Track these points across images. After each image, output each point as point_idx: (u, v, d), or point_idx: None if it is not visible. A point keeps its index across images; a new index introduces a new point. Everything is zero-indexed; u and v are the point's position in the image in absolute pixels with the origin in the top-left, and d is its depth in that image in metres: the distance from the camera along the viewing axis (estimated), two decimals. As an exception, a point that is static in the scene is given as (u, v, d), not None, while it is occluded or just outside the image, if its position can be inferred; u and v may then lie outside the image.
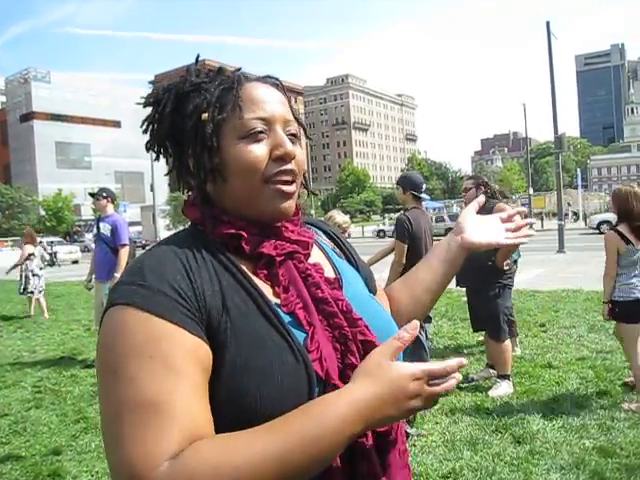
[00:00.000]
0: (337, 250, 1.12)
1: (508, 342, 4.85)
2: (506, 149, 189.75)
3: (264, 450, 0.68)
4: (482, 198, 1.28)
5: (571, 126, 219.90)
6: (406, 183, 4.63)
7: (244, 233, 0.90)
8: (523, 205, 42.73)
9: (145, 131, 0.96)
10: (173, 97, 0.93)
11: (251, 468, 0.67)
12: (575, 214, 39.08)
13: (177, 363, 0.74)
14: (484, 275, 4.70)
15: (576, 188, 51.00)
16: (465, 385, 4.94)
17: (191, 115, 0.91)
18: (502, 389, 4.70)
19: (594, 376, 4.91)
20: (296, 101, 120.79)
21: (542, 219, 35.89)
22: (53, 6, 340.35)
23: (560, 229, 18.29)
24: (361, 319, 0.89)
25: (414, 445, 3.77)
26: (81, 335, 8.45)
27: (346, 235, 5.01)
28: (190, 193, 0.99)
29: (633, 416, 3.94)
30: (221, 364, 0.78)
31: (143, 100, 0.97)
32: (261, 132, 0.90)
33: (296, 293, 0.88)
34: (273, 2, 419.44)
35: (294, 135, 0.95)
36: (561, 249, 17.83)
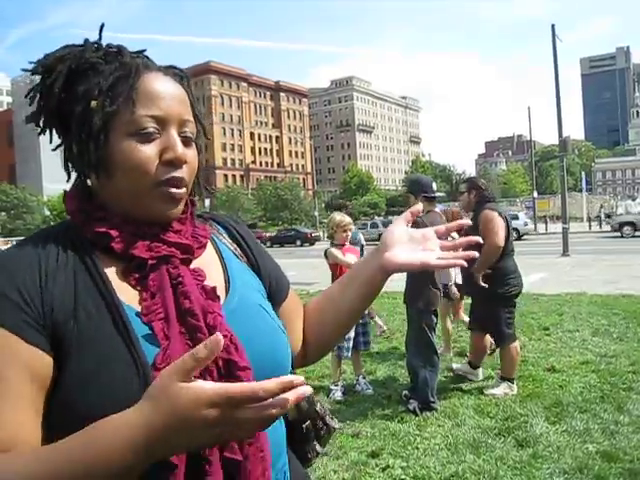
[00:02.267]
0: (238, 251, 1.03)
1: (515, 345, 4.81)
2: (510, 152, 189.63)
3: (34, 473, 0.66)
4: (418, 207, 1.08)
5: (576, 129, 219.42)
6: (415, 188, 4.54)
7: (114, 232, 0.84)
8: (527, 208, 42.77)
9: (32, 102, 0.88)
10: (66, 71, 0.85)
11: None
12: (608, 216, 36.38)
13: (10, 377, 0.72)
14: (486, 283, 4.61)
15: (581, 191, 50.96)
16: (466, 387, 4.93)
17: (81, 99, 0.84)
18: (498, 389, 4.69)
19: (598, 380, 4.89)
20: (301, 103, 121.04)
21: (546, 222, 35.79)
22: (57, 9, 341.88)
23: (564, 232, 18.25)
24: (227, 336, 0.80)
25: (417, 448, 3.77)
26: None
27: (345, 235, 4.98)
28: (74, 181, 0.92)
29: (637, 421, 3.93)
30: (63, 374, 0.74)
31: (32, 65, 0.88)
32: (153, 132, 0.84)
33: (161, 302, 0.82)
34: (279, 5, 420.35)
35: (189, 137, 0.89)
36: (565, 252, 17.78)
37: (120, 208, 0.86)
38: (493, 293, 4.60)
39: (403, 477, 3.40)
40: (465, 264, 0.95)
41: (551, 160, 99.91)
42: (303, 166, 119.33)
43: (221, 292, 0.89)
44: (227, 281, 0.94)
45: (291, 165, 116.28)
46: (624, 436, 3.70)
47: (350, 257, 4.88)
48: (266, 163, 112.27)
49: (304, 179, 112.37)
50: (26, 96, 0.90)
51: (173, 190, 0.86)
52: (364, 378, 5.26)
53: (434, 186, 4.53)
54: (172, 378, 0.64)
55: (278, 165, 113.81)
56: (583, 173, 54.96)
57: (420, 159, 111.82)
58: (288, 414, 1.02)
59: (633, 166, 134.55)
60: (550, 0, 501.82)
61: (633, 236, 25.43)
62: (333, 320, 1.08)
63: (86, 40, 0.88)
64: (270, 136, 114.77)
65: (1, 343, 0.73)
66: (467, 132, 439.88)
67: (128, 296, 0.82)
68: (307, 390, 0.67)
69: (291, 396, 0.66)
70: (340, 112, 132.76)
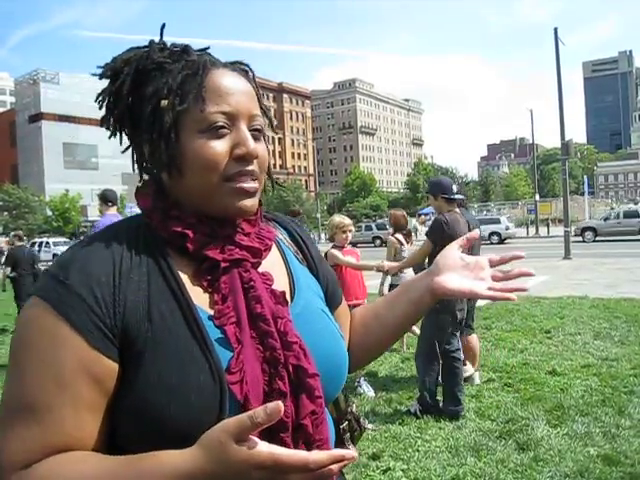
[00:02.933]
0: (299, 255, 1.03)
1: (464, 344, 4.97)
2: (512, 155, 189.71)
3: None
4: (474, 234, 1.05)
5: (578, 132, 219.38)
6: (435, 189, 4.60)
7: (190, 232, 0.84)
8: (529, 212, 42.72)
9: (101, 106, 0.88)
10: (133, 72, 0.85)
11: None
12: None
13: (67, 375, 0.72)
14: None
15: (583, 195, 50.91)
16: (467, 390, 4.93)
17: (150, 99, 0.84)
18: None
19: (599, 383, 4.89)
20: (303, 105, 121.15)
21: (548, 225, 35.76)
22: (60, 10, 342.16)
23: (566, 236, 18.23)
24: (297, 342, 0.81)
25: (418, 450, 3.76)
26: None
27: (345, 237, 4.99)
28: (146, 178, 0.92)
29: (638, 424, 3.92)
30: (134, 376, 0.75)
31: (100, 70, 0.89)
32: (223, 127, 0.84)
33: (232, 305, 0.82)
34: (282, 7, 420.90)
35: (259, 130, 0.89)
36: (567, 256, 17.76)
37: (192, 206, 0.86)
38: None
39: (404, 479, 3.40)
40: (515, 298, 0.94)
41: (553, 163, 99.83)
42: (305, 168, 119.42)
43: (287, 296, 0.90)
44: (291, 285, 0.95)
45: (293, 167, 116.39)
46: (625, 439, 3.70)
47: (350, 258, 4.90)
48: (268, 165, 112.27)
49: (306, 181, 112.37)
50: (95, 100, 0.89)
51: (245, 184, 0.85)
52: (365, 380, 5.26)
53: (454, 188, 4.59)
54: (228, 435, 0.64)
55: (280, 167, 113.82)
56: (585, 176, 54.92)
57: (422, 161, 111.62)
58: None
59: (635, 170, 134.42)
60: (553, 4, 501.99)
61: (594, 241, 25.72)
62: (376, 335, 1.09)
63: (151, 41, 0.89)
64: (272, 138, 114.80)
65: (68, 345, 0.73)
66: (469, 135, 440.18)
67: (200, 298, 0.82)
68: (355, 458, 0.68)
69: (336, 467, 0.67)
70: (343, 114, 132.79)
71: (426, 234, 4.57)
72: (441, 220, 4.39)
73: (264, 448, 0.65)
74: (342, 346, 0.94)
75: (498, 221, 31.68)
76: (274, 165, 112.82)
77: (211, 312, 0.81)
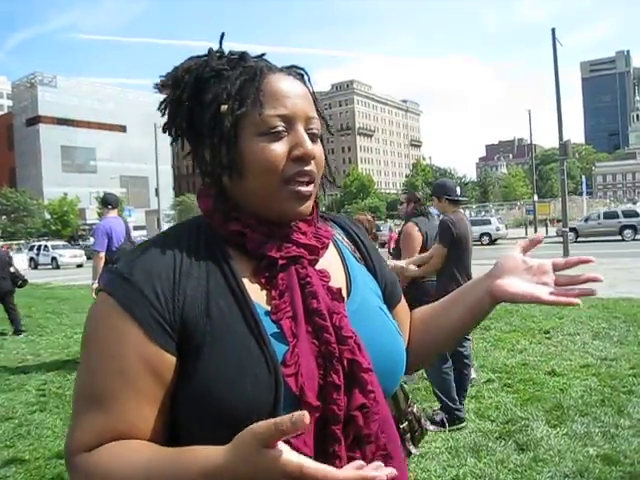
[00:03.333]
0: (357, 253, 1.05)
1: None
2: (511, 155, 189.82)
3: (133, 475, 0.72)
4: (539, 236, 1.04)
5: (576, 133, 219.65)
6: (438, 190, 4.64)
7: (248, 232, 0.87)
8: (528, 212, 42.76)
9: (163, 114, 0.93)
10: (192, 81, 0.89)
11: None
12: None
13: (130, 367, 0.78)
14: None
15: (581, 195, 50.97)
16: (467, 393, 4.93)
17: (210, 105, 0.87)
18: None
19: (598, 383, 4.89)
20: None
21: (546, 225, 35.83)
22: (57, 13, 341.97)
23: (565, 236, 18.26)
24: (352, 337, 0.83)
25: (417, 451, 3.76)
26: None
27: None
28: (207, 180, 0.95)
29: (638, 424, 3.93)
30: (193, 369, 0.79)
31: (161, 79, 0.94)
32: (281, 130, 0.86)
33: (289, 301, 0.84)
34: (279, 8, 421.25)
35: (315, 133, 0.91)
36: (566, 256, 17.76)
37: (252, 209, 0.89)
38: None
39: (404, 480, 3.40)
40: (579, 303, 0.90)
41: (551, 164, 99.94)
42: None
43: (343, 292, 0.91)
44: (348, 282, 0.96)
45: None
46: (624, 439, 3.70)
47: None
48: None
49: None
50: (158, 109, 0.93)
51: (302, 188, 0.87)
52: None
53: (458, 190, 4.65)
54: (257, 439, 0.65)
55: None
56: (583, 177, 54.94)
57: (421, 163, 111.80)
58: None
59: (633, 170, 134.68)
60: (551, 4, 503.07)
61: (575, 241, 25.81)
62: (433, 335, 1.08)
63: (210, 49, 0.91)
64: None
65: (131, 340, 0.78)
66: (468, 135, 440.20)
67: (257, 295, 0.85)
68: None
69: None
70: (341, 115, 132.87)
71: (438, 241, 4.49)
72: (448, 221, 4.40)
73: (293, 458, 0.65)
74: (399, 343, 0.95)
75: (489, 222, 31.97)
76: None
77: (268, 308, 0.84)
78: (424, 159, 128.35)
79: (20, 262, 35.56)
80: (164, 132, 0.94)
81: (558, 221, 36.11)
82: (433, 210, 5.27)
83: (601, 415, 4.15)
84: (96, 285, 6.20)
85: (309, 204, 0.91)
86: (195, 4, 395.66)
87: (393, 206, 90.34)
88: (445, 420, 4.27)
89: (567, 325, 7.46)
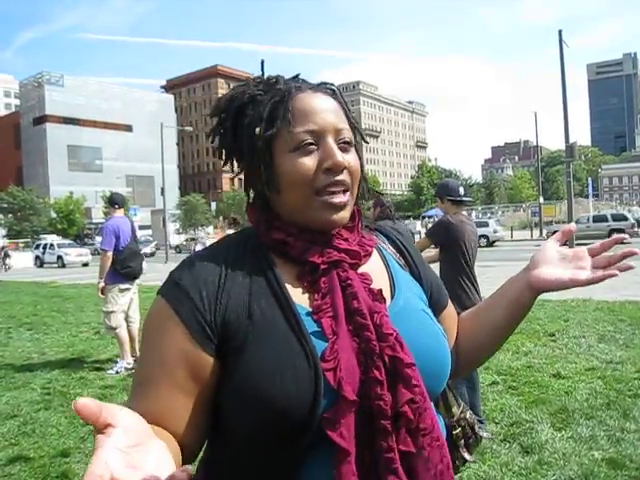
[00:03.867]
0: (402, 261, 1.08)
1: None
2: (517, 157, 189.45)
3: None
4: (571, 226, 1.07)
5: (582, 135, 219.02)
6: (441, 191, 4.59)
7: (291, 240, 0.93)
8: (534, 215, 42.67)
9: (212, 140, 1.00)
10: (233, 109, 0.96)
11: None
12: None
13: (169, 359, 0.85)
14: None
15: (587, 197, 50.81)
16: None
17: (247, 129, 0.94)
18: None
19: (604, 387, 4.87)
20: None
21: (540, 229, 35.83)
22: (65, 13, 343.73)
23: (571, 238, 18.18)
24: (393, 334, 0.86)
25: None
26: (90, 337, 8.47)
27: None
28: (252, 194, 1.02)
29: (643, 428, 3.91)
30: (235, 365, 0.84)
31: (211, 110, 1.01)
32: (311, 144, 0.91)
33: (330, 302, 0.88)
34: (285, 9, 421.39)
35: (347, 143, 0.95)
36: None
37: (291, 219, 0.95)
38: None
39: (407, 482, 3.39)
40: (617, 273, 0.94)
41: (557, 166, 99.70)
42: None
43: (386, 296, 0.95)
44: (392, 286, 1.00)
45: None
46: (630, 443, 3.68)
47: None
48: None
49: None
50: (207, 136, 1.05)
51: (334, 199, 0.92)
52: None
53: (461, 190, 4.58)
54: None
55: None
56: (589, 179, 54.89)
57: (426, 164, 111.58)
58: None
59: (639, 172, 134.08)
60: (557, 6, 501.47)
61: (564, 244, 25.77)
62: (478, 336, 1.11)
63: (249, 78, 1.01)
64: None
65: (175, 337, 0.85)
66: (473, 137, 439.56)
67: (301, 297, 0.90)
68: None
69: None
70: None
71: (426, 234, 4.52)
72: (444, 221, 4.36)
73: None
74: (444, 345, 0.96)
75: (486, 224, 32.14)
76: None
77: (311, 309, 0.89)
78: (430, 160, 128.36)
79: (26, 260, 35.91)
80: (217, 156, 1.02)
81: (548, 224, 36.30)
82: (432, 212, 5.25)
83: (606, 419, 4.13)
84: (102, 284, 6.21)
85: (344, 214, 0.94)
86: (202, 4, 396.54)
87: (398, 207, 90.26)
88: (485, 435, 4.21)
89: (572, 328, 7.43)
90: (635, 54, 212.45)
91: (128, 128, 79.03)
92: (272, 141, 0.92)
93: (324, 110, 0.94)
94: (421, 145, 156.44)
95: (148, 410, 0.80)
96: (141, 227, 41.47)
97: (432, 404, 0.91)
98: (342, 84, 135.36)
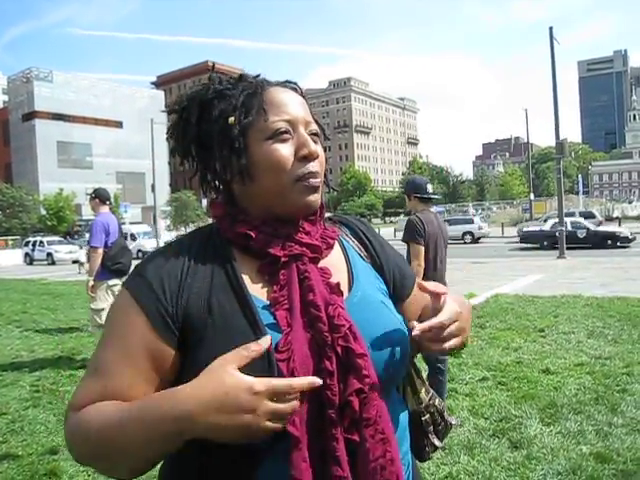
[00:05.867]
0: (363, 252, 1.11)
1: None
2: (507, 154, 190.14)
3: (111, 416, 0.82)
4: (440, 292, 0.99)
5: (573, 132, 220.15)
6: (408, 188, 4.54)
7: (253, 233, 0.95)
8: (524, 211, 42.85)
9: (170, 137, 1.02)
10: (197, 105, 0.98)
11: (98, 426, 0.82)
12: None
13: (131, 346, 0.88)
14: None
15: (577, 194, 51.09)
16: (461, 389, 4.94)
17: (218, 119, 0.96)
18: None
19: (592, 382, 4.91)
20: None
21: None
22: (54, 8, 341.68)
23: (560, 235, 18.29)
24: (346, 325, 0.89)
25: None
26: (80, 335, 8.43)
27: None
28: (214, 195, 1.04)
29: (631, 422, 3.94)
30: (195, 357, 0.86)
31: (168, 109, 1.04)
32: (286, 132, 0.95)
33: (287, 294, 0.91)
34: (276, 6, 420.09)
35: (316, 135, 1.00)
36: (561, 255, 17.82)
37: (261, 209, 0.98)
38: None
39: (397, 478, 3.40)
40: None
41: (548, 162, 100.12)
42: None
43: (344, 289, 0.98)
44: (350, 279, 1.02)
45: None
46: (618, 437, 3.71)
47: None
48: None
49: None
50: (167, 133, 1.04)
51: (311, 181, 0.96)
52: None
53: (429, 187, 4.49)
54: (228, 362, 0.77)
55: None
56: (580, 176, 55.31)
57: (417, 160, 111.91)
58: (408, 405, 1.12)
59: (630, 169, 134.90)
60: (549, 3, 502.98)
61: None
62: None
63: (210, 76, 1.03)
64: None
65: (138, 326, 0.88)
66: (465, 134, 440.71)
67: (260, 291, 0.94)
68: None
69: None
70: (338, 113, 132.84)
71: (403, 240, 4.32)
72: (413, 220, 4.25)
73: (260, 378, 0.76)
74: (401, 336, 0.98)
75: (471, 221, 32.33)
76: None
77: (268, 301, 0.92)
78: (421, 157, 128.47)
79: (15, 258, 35.60)
80: (173, 155, 1.05)
81: (515, 224, 36.53)
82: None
83: (594, 413, 4.16)
84: (92, 282, 6.15)
85: (318, 197, 0.98)
86: (192, 0, 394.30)
87: (390, 204, 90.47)
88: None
89: (562, 324, 7.47)
90: (625, 51, 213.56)
91: (118, 124, 78.41)
92: (247, 130, 0.95)
93: (295, 103, 0.99)
94: (412, 142, 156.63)
95: (107, 392, 0.86)
96: (132, 223, 41.26)
97: (385, 396, 0.93)
98: (333, 80, 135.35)
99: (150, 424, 0.78)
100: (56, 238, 39.50)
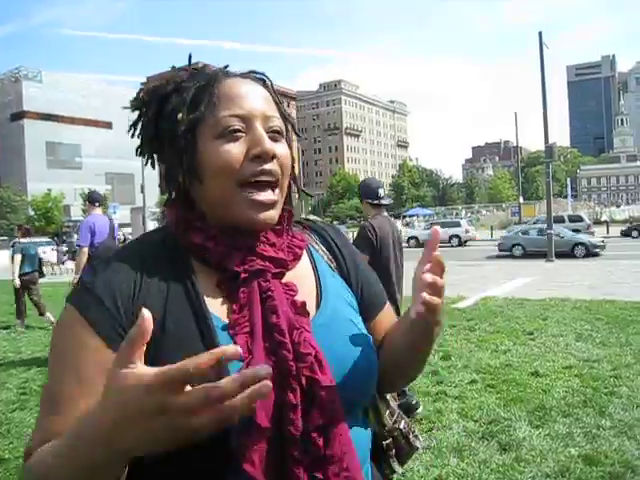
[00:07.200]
0: (333, 263, 1.01)
1: None
2: (497, 157, 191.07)
3: (48, 457, 0.71)
4: (434, 231, 0.83)
5: (562, 136, 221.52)
6: (361, 193, 4.44)
7: (210, 244, 0.86)
8: (513, 215, 43.05)
9: (133, 135, 0.94)
10: (156, 99, 0.90)
11: (53, 463, 0.69)
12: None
13: (87, 372, 0.77)
14: None
15: (566, 197, 51.49)
16: (450, 391, 4.95)
17: (169, 116, 0.87)
18: None
19: (580, 385, 4.93)
20: (289, 105, 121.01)
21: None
22: (42, 8, 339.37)
23: (549, 238, 18.39)
24: (312, 354, 0.80)
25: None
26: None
27: None
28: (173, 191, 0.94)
29: (619, 425, 3.96)
30: None
31: (130, 104, 0.94)
32: (238, 130, 0.85)
33: (248, 316, 0.82)
34: (268, 8, 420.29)
35: (277, 132, 0.89)
36: (550, 258, 17.93)
37: (215, 216, 0.88)
38: None
39: (387, 480, 3.40)
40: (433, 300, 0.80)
41: (537, 166, 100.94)
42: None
43: (312, 305, 0.89)
44: (319, 294, 0.93)
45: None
46: (605, 440, 3.73)
47: None
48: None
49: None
50: (128, 131, 0.94)
51: (258, 197, 0.85)
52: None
53: (380, 192, 4.37)
54: (118, 363, 0.60)
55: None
56: (568, 179, 55.60)
57: (407, 163, 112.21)
58: (370, 427, 0.98)
59: (617, 173, 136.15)
60: (538, 7, 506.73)
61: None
62: (392, 357, 0.98)
63: (172, 67, 0.95)
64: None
65: (91, 349, 0.78)
66: (454, 137, 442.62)
67: (218, 308, 0.84)
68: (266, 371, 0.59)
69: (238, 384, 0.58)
70: (328, 115, 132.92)
71: (355, 246, 4.27)
72: (365, 227, 4.17)
73: (152, 370, 0.58)
74: (369, 357, 0.90)
75: (458, 224, 32.47)
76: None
77: (227, 322, 0.82)
78: (411, 160, 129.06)
79: (2, 258, 35.24)
80: (137, 154, 0.94)
81: (504, 227, 36.63)
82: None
83: (583, 416, 4.19)
84: (77, 279, 6.15)
85: (272, 213, 0.87)
86: (182, 2, 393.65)
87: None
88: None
89: (551, 326, 7.51)
90: (613, 56, 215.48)
91: (108, 125, 77.97)
92: (196, 127, 0.86)
93: (253, 95, 0.88)
94: (402, 144, 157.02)
95: (66, 426, 0.71)
96: (121, 225, 41.00)
97: (349, 423, 0.84)
98: (323, 83, 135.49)
99: (85, 457, 0.65)
100: (44, 239, 39.20)
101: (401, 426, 1.07)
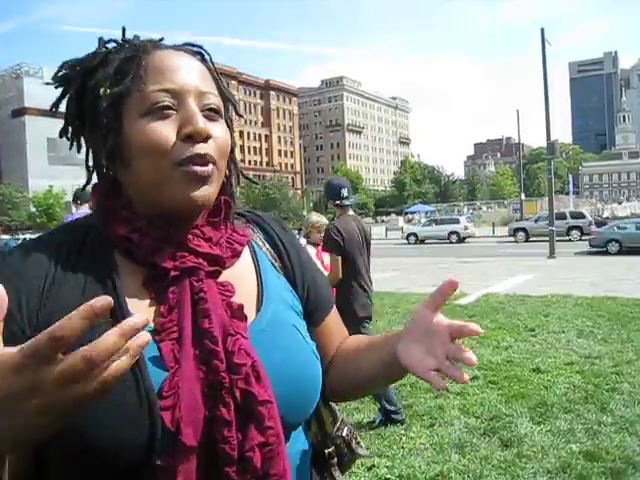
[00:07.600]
0: (277, 262, 0.92)
1: None
2: (499, 154, 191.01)
3: None
4: (450, 282, 0.74)
5: (564, 133, 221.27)
6: (325, 193, 4.35)
7: (135, 237, 0.76)
8: (515, 211, 43.01)
9: (54, 114, 0.84)
10: (80, 74, 0.79)
11: None
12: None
13: None
14: None
15: (568, 194, 51.44)
16: (452, 388, 4.95)
17: (91, 91, 0.77)
18: None
19: (582, 381, 4.94)
20: (290, 102, 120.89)
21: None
22: (43, 5, 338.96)
23: (551, 235, 18.38)
24: (247, 364, 0.71)
25: (402, 447, 3.77)
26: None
27: (319, 236, 4.74)
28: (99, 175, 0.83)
29: (620, 421, 3.97)
30: None
31: (52, 79, 0.82)
32: (168, 107, 0.75)
33: (176, 319, 0.73)
34: (270, 4, 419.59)
35: (214, 111, 0.79)
36: (552, 254, 17.91)
37: (144, 203, 0.78)
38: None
39: (388, 476, 3.41)
40: (446, 388, 0.78)
41: (539, 163, 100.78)
42: (292, 165, 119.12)
43: (251, 308, 0.81)
44: (260, 295, 0.84)
45: (280, 164, 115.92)
46: (607, 436, 3.74)
47: (325, 257, 4.85)
48: (255, 162, 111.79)
49: (293, 178, 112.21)
50: (50, 109, 0.84)
51: (197, 168, 0.75)
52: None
53: (343, 192, 4.21)
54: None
55: (267, 164, 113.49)
56: (570, 176, 55.58)
57: (409, 160, 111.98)
58: (310, 438, 0.92)
59: (619, 170, 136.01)
60: (539, 8, 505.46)
61: (526, 241, 27.03)
62: (353, 378, 0.93)
63: (99, 39, 0.82)
64: (259, 135, 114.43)
65: None
66: (456, 134, 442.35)
67: (143, 309, 0.74)
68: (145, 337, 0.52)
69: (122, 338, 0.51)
70: (330, 112, 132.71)
71: (325, 249, 4.23)
72: (331, 230, 4.10)
73: (15, 348, 0.50)
74: (312, 368, 0.83)
75: (457, 221, 32.53)
76: (261, 162, 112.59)
77: (152, 326, 0.72)
78: (413, 156, 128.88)
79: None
80: (60, 137, 0.83)
81: (506, 224, 36.67)
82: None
83: (584, 412, 4.19)
84: None
85: (208, 189, 0.76)
86: (180, 1, 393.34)
87: (381, 203, 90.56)
88: (379, 421, 4.24)
89: (552, 323, 7.51)
90: (616, 53, 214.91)
91: (109, 121, 78.16)
92: (120, 103, 0.75)
93: (186, 69, 0.78)
94: (404, 141, 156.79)
95: None
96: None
97: (290, 444, 0.78)
98: (325, 79, 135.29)
99: None
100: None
101: (344, 434, 0.99)
